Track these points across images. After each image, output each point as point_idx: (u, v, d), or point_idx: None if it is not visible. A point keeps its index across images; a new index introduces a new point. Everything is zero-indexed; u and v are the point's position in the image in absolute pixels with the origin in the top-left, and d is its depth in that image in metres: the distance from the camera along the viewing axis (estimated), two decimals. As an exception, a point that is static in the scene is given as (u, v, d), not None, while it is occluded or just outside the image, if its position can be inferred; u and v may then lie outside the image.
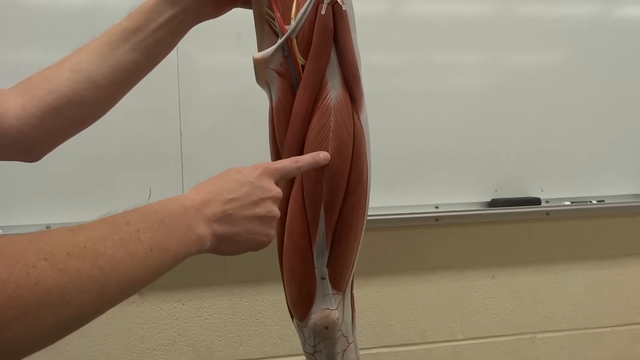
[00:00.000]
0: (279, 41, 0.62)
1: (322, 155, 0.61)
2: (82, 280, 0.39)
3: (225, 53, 1.16)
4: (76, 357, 1.16)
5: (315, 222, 0.64)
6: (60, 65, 0.65)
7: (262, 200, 0.55)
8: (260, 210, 0.55)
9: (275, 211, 0.57)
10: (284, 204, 0.66)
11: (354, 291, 0.72)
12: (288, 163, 0.59)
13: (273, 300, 1.23)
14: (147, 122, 1.12)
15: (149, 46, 0.66)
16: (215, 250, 0.53)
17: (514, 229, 1.33)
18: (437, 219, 1.25)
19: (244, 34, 1.09)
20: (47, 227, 1.08)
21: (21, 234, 0.38)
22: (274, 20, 0.64)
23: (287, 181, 0.65)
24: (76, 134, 0.68)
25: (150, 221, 0.46)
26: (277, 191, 0.57)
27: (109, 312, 0.43)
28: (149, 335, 1.19)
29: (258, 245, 0.57)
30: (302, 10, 0.61)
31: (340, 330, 0.68)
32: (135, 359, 1.18)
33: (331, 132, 0.62)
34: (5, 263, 0.35)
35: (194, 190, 0.54)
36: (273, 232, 0.57)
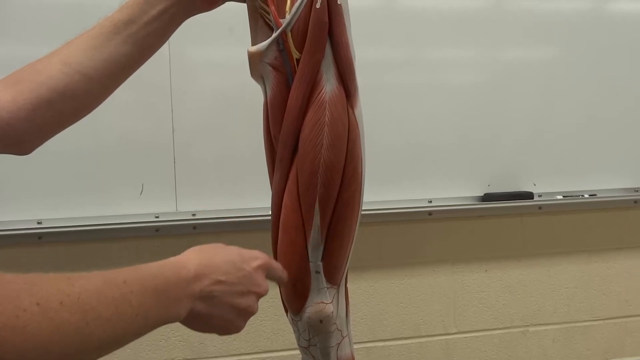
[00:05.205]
0: (274, 35, 0.62)
1: None
2: (68, 333, 0.38)
3: (217, 47, 1.16)
4: (68, 353, 1.15)
5: (310, 217, 0.64)
6: (51, 57, 0.64)
7: (249, 293, 0.57)
8: (242, 302, 0.57)
9: (255, 308, 0.58)
10: (278, 198, 0.66)
11: (347, 285, 0.72)
12: (282, 270, 0.63)
13: (267, 295, 1.23)
14: (139, 117, 1.12)
15: (141, 39, 0.65)
16: (185, 323, 0.54)
17: (506, 223, 1.34)
18: (430, 213, 1.25)
19: (237, 28, 1.09)
20: (39, 223, 1.07)
21: (17, 275, 0.38)
22: (268, 14, 0.63)
23: (282, 175, 0.65)
24: (67, 127, 0.67)
25: (146, 285, 0.47)
26: (265, 289, 0.59)
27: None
28: (142, 331, 1.18)
29: (225, 332, 0.58)
30: (297, 4, 0.61)
31: (334, 324, 0.68)
32: (129, 354, 1.17)
33: (326, 127, 0.62)
34: None
35: (195, 256, 0.54)
36: (244, 325, 0.59)
